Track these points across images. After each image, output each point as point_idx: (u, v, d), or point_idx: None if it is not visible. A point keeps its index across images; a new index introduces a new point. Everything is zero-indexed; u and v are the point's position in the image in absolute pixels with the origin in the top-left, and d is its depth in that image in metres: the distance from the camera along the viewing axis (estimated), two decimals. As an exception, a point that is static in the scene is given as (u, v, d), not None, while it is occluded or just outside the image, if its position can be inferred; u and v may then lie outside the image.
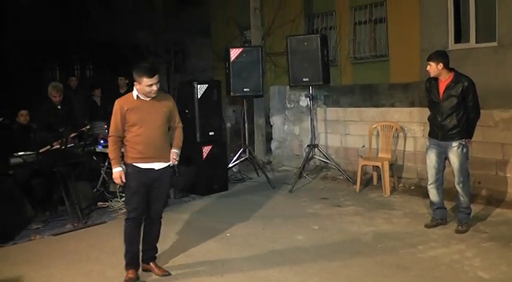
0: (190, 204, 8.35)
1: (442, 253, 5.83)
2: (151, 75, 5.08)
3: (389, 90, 12.12)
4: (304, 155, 9.60)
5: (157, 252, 5.63)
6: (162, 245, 6.35)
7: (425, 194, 7.96)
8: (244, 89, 9.33)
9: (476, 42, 11.93)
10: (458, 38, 12.35)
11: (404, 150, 8.78)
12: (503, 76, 10.81)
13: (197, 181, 8.77)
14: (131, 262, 5.36)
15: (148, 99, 5.22)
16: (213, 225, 7.05)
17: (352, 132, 9.60)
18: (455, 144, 6.34)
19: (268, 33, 14.93)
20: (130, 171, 5.24)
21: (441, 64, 6.27)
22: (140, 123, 5.17)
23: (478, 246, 5.99)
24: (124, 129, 5.22)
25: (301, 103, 10.11)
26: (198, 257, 5.95)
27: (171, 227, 7.05)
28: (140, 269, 5.48)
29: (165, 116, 5.33)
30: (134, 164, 5.22)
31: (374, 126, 8.88)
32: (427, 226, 6.69)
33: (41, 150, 7.31)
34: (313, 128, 9.46)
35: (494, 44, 11.57)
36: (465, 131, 6.37)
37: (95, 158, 8.40)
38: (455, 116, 6.29)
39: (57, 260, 6.04)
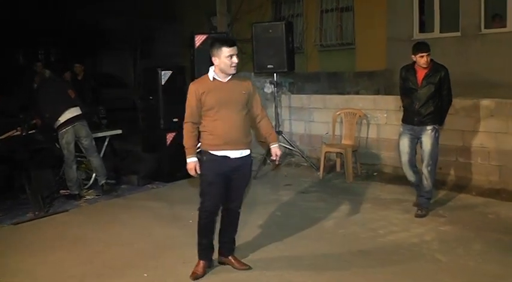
0: (154, 192, 8.32)
1: (402, 237, 5.93)
2: (231, 45, 4.71)
3: (354, 78, 12.23)
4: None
5: (235, 245, 5.33)
6: (123, 232, 6.36)
7: (388, 180, 8.24)
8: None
9: (440, 32, 12.14)
10: (423, 28, 12.54)
11: (367, 137, 8.85)
12: (466, 65, 10.99)
13: (161, 168, 8.72)
14: (202, 253, 5.08)
15: (225, 80, 4.81)
16: (176, 212, 7.03)
17: (316, 119, 9.63)
18: (429, 127, 6.55)
19: (235, 19, 14.87)
20: (207, 160, 4.84)
21: (430, 54, 6.52)
22: (218, 107, 4.76)
23: (436, 230, 6.12)
24: (200, 114, 4.83)
25: (265, 90, 10.11)
26: (160, 244, 5.93)
27: (134, 214, 7.05)
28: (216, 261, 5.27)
29: (244, 99, 4.88)
30: (211, 151, 4.83)
31: (338, 113, 8.93)
32: (415, 205, 6.85)
33: (0, 137, 7.19)
34: (277, 115, 9.48)
35: (458, 34, 11.78)
36: (439, 117, 6.63)
37: (57, 145, 8.31)
38: (432, 103, 6.52)
39: (17, 249, 5.95)
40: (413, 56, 6.57)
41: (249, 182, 5.29)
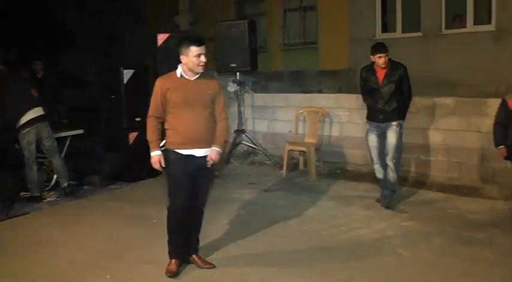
0: (117, 192, 8.21)
1: (364, 233, 6.00)
2: (199, 44, 4.69)
3: (318, 76, 12.29)
4: (231, 140, 9.61)
5: (199, 244, 5.28)
6: (86, 233, 6.26)
7: (351, 177, 8.30)
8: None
9: (402, 32, 12.25)
10: (385, 28, 12.66)
11: (330, 135, 8.92)
12: (427, 65, 11.12)
13: (124, 168, 8.62)
14: (174, 252, 5.04)
15: (193, 78, 4.79)
16: (140, 212, 6.95)
17: (279, 117, 9.65)
18: (394, 123, 6.76)
19: (199, 18, 14.77)
20: (172, 158, 4.81)
21: (388, 55, 6.68)
22: (183, 105, 4.74)
23: (398, 226, 6.21)
24: (164, 109, 4.80)
25: (229, 89, 10.08)
26: (123, 244, 5.85)
27: (96, 215, 6.95)
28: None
29: (210, 98, 4.85)
30: (176, 150, 4.80)
31: (300, 111, 8.96)
32: (379, 201, 6.99)
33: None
34: (240, 113, 9.47)
35: (419, 34, 11.91)
36: (401, 113, 6.83)
37: (18, 146, 8.11)
38: (395, 100, 6.73)
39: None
40: (372, 56, 6.74)
41: (213, 180, 5.28)
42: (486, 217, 6.43)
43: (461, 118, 7.65)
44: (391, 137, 6.77)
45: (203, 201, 5.14)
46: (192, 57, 4.68)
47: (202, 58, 4.71)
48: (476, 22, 11.35)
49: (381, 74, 6.74)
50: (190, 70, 4.76)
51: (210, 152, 4.91)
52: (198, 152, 4.83)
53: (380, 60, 6.64)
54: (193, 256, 5.17)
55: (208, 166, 4.91)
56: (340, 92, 11.09)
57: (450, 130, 7.73)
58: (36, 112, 7.54)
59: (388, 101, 6.71)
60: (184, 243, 5.09)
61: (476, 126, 7.49)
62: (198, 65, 4.71)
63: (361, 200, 7.18)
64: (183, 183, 4.83)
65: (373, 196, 7.23)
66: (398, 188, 7.16)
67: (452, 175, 7.75)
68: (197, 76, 4.81)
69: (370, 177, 7.94)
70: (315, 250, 5.55)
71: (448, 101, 7.80)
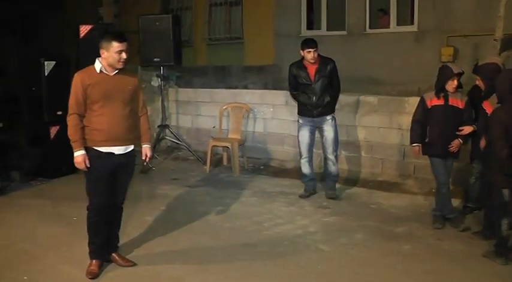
0: (37, 188, 7.83)
1: (287, 229, 5.97)
2: (121, 40, 4.54)
3: (243, 72, 12.24)
4: (155, 135, 9.40)
5: (119, 242, 5.12)
6: (3, 232, 5.96)
7: (274, 173, 8.27)
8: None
9: (327, 30, 12.37)
10: (311, 25, 12.74)
11: (254, 131, 8.87)
12: (352, 63, 11.23)
13: (45, 163, 8.26)
14: (95, 253, 4.84)
15: (112, 73, 4.62)
16: (60, 210, 6.67)
17: (203, 113, 9.54)
18: (329, 117, 6.88)
19: (123, 10, 14.42)
20: (93, 156, 4.61)
21: (318, 49, 6.74)
22: (104, 101, 4.57)
23: (320, 222, 6.22)
24: (85, 106, 4.57)
25: (152, 83, 9.88)
26: (42, 244, 5.57)
27: (15, 213, 6.60)
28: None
29: (130, 94, 4.73)
30: (96, 148, 4.62)
31: (224, 107, 8.87)
32: (302, 196, 7.05)
33: None
34: (163, 108, 9.29)
35: (344, 32, 12.06)
36: (333, 106, 6.96)
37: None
38: (327, 94, 6.81)
39: None
40: (301, 51, 6.75)
41: (131, 177, 5.11)
42: (407, 212, 6.53)
43: (383, 116, 7.76)
44: (329, 132, 6.89)
45: (122, 198, 5.01)
46: (113, 53, 4.54)
47: (124, 55, 4.58)
48: (399, 23, 11.61)
49: (311, 69, 6.77)
50: (110, 65, 4.61)
51: (143, 149, 4.94)
52: (118, 150, 4.70)
53: (309, 55, 6.66)
54: (114, 254, 5.02)
55: (145, 164, 4.96)
56: (265, 88, 11.10)
57: (373, 127, 7.83)
58: None
59: (322, 95, 6.79)
60: (105, 242, 4.93)
61: (398, 124, 7.62)
62: (119, 61, 4.58)
63: (284, 196, 7.16)
64: (103, 181, 4.70)
65: (295, 192, 7.25)
66: (319, 186, 7.26)
67: (375, 171, 7.86)
68: (116, 72, 4.66)
69: (294, 173, 7.96)
70: (237, 246, 5.47)
71: (371, 98, 7.90)
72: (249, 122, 8.86)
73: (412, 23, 11.50)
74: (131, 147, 4.80)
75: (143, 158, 5.00)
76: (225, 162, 8.88)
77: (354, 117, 7.92)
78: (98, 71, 4.61)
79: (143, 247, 5.41)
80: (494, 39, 7.68)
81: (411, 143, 6.04)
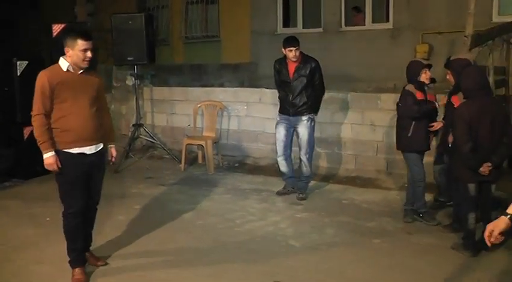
0: (11, 189, 7.76)
1: (258, 226, 6.00)
2: (86, 38, 4.44)
3: (219, 70, 12.24)
4: (129, 134, 9.38)
5: (91, 240, 5.05)
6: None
7: (249, 171, 8.31)
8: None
9: (303, 28, 12.42)
10: (287, 23, 12.78)
11: (228, 129, 8.89)
12: (328, 60, 11.18)
13: (18, 164, 8.20)
14: (78, 260, 4.72)
15: (78, 72, 4.51)
16: (33, 211, 6.61)
17: (178, 111, 9.53)
18: (305, 118, 6.79)
19: (100, 9, 14.34)
20: (64, 159, 4.47)
21: (300, 48, 6.70)
22: (72, 100, 4.45)
23: (292, 218, 6.26)
24: (52, 106, 4.45)
25: (127, 82, 9.85)
26: (14, 245, 5.52)
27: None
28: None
29: (95, 94, 4.65)
30: (67, 150, 4.49)
31: (198, 105, 8.87)
32: (279, 193, 7.08)
33: None
34: (138, 107, 9.27)
35: (320, 30, 12.12)
36: (313, 107, 6.86)
37: None
38: (305, 94, 6.74)
39: None
40: (283, 49, 6.73)
41: (103, 176, 5.02)
42: (379, 207, 6.60)
43: (356, 112, 7.82)
44: (303, 133, 6.84)
45: (98, 198, 4.95)
46: (78, 51, 4.44)
47: (88, 53, 4.48)
48: (374, 20, 11.70)
49: (291, 67, 6.76)
50: (75, 64, 4.51)
51: (109, 150, 4.92)
52: (90, 149, 4.63)
53: (290, 53, 6.65)
54: (86, 253, 4.95)
55: (111, 163, 4.95)
56: (241, 86, 11.11)
57: (345, 123, 7.89)
58: None
59: (299, 94, 6.74)
60: (85, 245, 4.89)
61: (370, 120, 7.69)
62: (84, 60, 4.48)
63: (258, 193, 7.19)
64: (77, 184, 4.60)
65: (269, 189, 7.29)
66: (293, 182, 7.22)
67: (349, 167, 7.92)
68: (82, 71, 4.57)
69: (268, 170, 8.01)
70: (209, 243, 5.49)
71: (344, 95, 7.97)
72: (223, 120, 8.87)
73: (387, 20, 11.60)
74: (101, 146, 4.75)
75: (109, 158, 4.95)
76: (200, 160, 8.88)
77: (326, 114, 7.95)
78: (65, 69, 4.50)
79: (117, 246, 5.40)
80: (464, 36, 7.75)
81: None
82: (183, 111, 9.37)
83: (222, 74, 12.12)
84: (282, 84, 6.92)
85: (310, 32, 12.22)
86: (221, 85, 11.44)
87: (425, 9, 10.76)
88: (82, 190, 4.64)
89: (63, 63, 4.51)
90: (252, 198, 7.01)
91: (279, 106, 7.09)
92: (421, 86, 5.78)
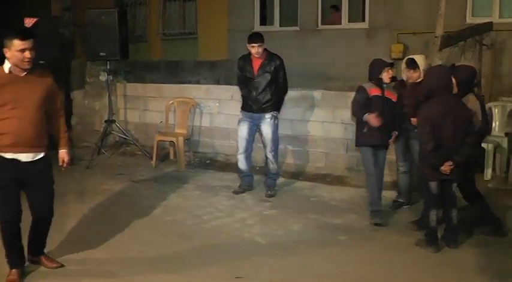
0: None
1: (225, 222, 6.02)
2: (23, 38, 4.17)
3: (195, 67, 12.26)
4: (102, 130, 9.34)
5: (45, 241, 4.81)
6: None
7: (220, 168, 8.32)
8: (40, 62, 8.79)
9: (280, 26, 12.48)
10: (264, 21, 12.82)
11: (200, 126, 8.89)
12: (304, 58, 11.40)
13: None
14: (14, 263, 4.56)
15: (22, 74, 4.26)
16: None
17: (151, 108, 9.51)
18: (268, 115, 6.81)
19: (77, 4, 14.23)
20: None
21: (264, 45, 6.71)
22: (13, 104, 4.20)
23: (260, 215, 6.29)
24: None
25: (101, 78, 9.80)
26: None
27: None
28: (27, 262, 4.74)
29: (43, 97, 4.35)
30: (1, 153, 4.27)
31: (171, 102, 8.86)
32: (236, 192, 7.06)
33: None
34: (110, 103, 9.22)
35: (297, 28, 12.18)
36: (276, 105, 6.87)
37: None
38: (269, 91, 6.75)
39: None
40: (248, 45, 6.74)
41: (51, 187, 4.66)
42: (347, 204, 6.66)
43: (326, 110, 7.86)
44: (267, 131, 6.86)
45: (48, 210, 4.63)
46: (15, 52, 4.17)
47: (27, 54, 4.19)
48: (350, 19, 11.79)
49: (256, 64, 6.77)
50: (16, 65, 4.25)
51: (60, 154, 4.67)
52: (26, 157, 4.36)
53: (253, 49, 6.67)
54: (41, 257, 4.81)
55: (62, 169, 4.71)
56: (217, 83, 11.13)
57: (316, 121, 7.92)
58: None
59: (263, 91, 6.74)
60: (22, 254, 4.68)
61: (341, 118, 7.73)
62: (23, 61, 4.21)
63: (227, 190, 7.19)
64: (9, 191, 4.36)
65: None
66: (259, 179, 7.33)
67: (319, 165, 7.96)
68: (26, 72, 4.31)
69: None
70: (173, 239, 5.50)
71: (315, 93, 7.99)
72: (196, 117, 8.87)
73: (363, 20, 11.69)
74: (41, 154, 4.45)
75: (60, 163, 4.70)
76: (171, 157, 8.87)
77: (298, 112, 8.00)
78: (7, 71, 4.26)
79: (83, 243, 5.33)
80: (435, 37, 7.84)
81: (362, 117, 5.82)
82: (156, 108, 9.34)
83: (199, 71, 12.14)
84: (245, 81, 6.91)
85: (287, 31, 12.31)
86: (197, 82, 11.46)
87: (401, 9, 10.88)
88: (14, 199, 4.39)
89: (6, 65, 4.28)
90: (222, 195, 7.03)
91: (241, 104, 7.09)
92: (379, 83, 5.83)
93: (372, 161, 5.95)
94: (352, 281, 4.62)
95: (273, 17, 12.68)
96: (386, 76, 5.81)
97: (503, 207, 6.24)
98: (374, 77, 5.87)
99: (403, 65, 6.23)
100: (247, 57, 6.86)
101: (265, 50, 6.78)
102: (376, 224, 5.85)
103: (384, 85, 5.86)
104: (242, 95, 7.06)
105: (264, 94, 6.75)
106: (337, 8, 12.07)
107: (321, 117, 7.91)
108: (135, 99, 9.72)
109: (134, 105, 9.74)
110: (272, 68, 6.73)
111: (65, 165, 4.74)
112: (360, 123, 5.94)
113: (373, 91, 5.83)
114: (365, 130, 5.89)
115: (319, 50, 11.55)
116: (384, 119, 5.80)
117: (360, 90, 5.94)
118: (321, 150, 7.94)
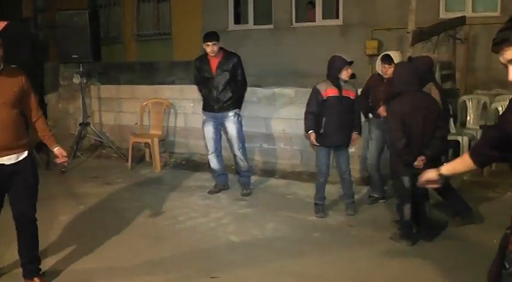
0: None
1: (200, 222, 6.02)
2: None
3: (170, 67, 12.17)
4: (76, 133, 9.28)
5: (40, 264, 4.60)
6: None
7: (195, 168, 8.31)
8: (12, 65, 8.71)
9: (254, 24, 12.49)
10: (238, 20, 12.82)
11: (175, 127, 8.88)
12: (279, 56, 11.41)
13: None
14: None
15: None
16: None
17: (125, 109, 9.47)
18: (231, 113, 6.79)
19: (51, 6, 14.11)
20: None
21: (219, 43, 6.68)
22: None
23: (235, 214, 6.30)
24: None
25: (74, 80, 9.75)
26: None
27: None
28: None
29: (16, 96, 4.13)
30: None
31: (145, 103, 8.84)
32: (211, 192, 7.05)
33: None
34: (84, 105, 9.17)
35: (271, 26, 12.19)
36: (237, 102, 6.85)
37: None
38: (229, 89, 6.73)
39: None
40: (203, 44, 6.72)
41: (34, 187, 4.50)
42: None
43: (300, 107, 7.81)
44: (232, 129, 6.86)
45: (30, 209, 4.43)
46: None
47: None
48: (325, 16, 11.82)
49: (213, 63, 6.74)
50: None
51: (56, 152, 4.53)
52: (9, 159, 4.17)
53: (208, 48, 6.64)
54: (35, 279, 4.48)
55: (65, 165, 4.79)
56: (192, 83, 11.06)
57: (290, 119, 7.92)
58: None
59: (223, 90, 6.72)
60: None
61: (314, 115, 7.72)
62: None
63: (203, 190, 7.19)
64: None
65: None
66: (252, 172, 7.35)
67: (294, 162, 7.97)
68: None
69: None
70: (148, 241, 5.49)
71: (288, 91, 8.00)
72: (170, 118, 8.86)
73: (337, 17, 11.74)
74: (24, 154, 4.27)
75: (60, 160, 4.57)
76: (147, 158, 8.85)
77: (271, 110, 8.02)
78: None
79: (57, 247, 5.31)
80: (407, 32, 7.89)
81: (307, 130, 5.97)
82: (131, 110, 9.31)
83: (174, 72, 12.05)
84: (204, 81, 6.89)
85: (261, 29, 12.33)
86: (173, 82, 11.39)
87: (375, 5, 10.93)
88: None
89: None
90: (197, 195, 7.03)
91: (202, 104, 7.07)
92: (336, 82, 5.85)
93: (325, 161, 6.00)
94: (327, 278, 4.64)
95: (247, 16, 12.69)
96: (345, 74, 5.83)
97: (478, 199, 6.34)
98: (333, 75, 5.89)
99: (378, 60, 6.28)
100: (204, 58, 6.83)
101: (221, 48, 6.75)
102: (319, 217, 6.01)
103: (342, 83, 5.86)
104: (202, 96, 7.04)
105: (225, 93, 6.74)
106: (313, 4, 12.11)
107: (295, 115, 7.88)
108: (109, 101, 9.67)
109: (109, 107, 9.68)
110: (230, 66, 6.71)
111: (65, 160, 4.61)
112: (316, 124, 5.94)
113: (329, 92, 5.84)
114: (321, 131, 5.91)
115: (293, 48, 11.56)
116: (342, 119, 5.85)
117: (314, 92, 5.95)
118: (296, 148, 7.95)
